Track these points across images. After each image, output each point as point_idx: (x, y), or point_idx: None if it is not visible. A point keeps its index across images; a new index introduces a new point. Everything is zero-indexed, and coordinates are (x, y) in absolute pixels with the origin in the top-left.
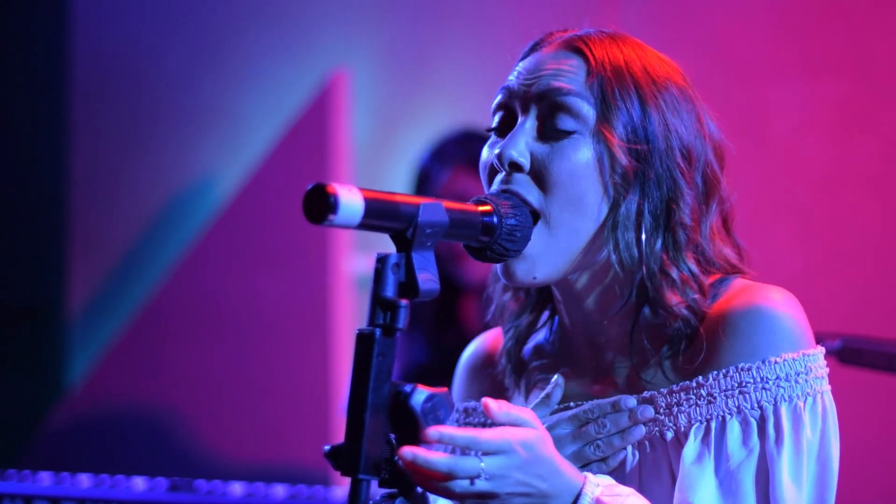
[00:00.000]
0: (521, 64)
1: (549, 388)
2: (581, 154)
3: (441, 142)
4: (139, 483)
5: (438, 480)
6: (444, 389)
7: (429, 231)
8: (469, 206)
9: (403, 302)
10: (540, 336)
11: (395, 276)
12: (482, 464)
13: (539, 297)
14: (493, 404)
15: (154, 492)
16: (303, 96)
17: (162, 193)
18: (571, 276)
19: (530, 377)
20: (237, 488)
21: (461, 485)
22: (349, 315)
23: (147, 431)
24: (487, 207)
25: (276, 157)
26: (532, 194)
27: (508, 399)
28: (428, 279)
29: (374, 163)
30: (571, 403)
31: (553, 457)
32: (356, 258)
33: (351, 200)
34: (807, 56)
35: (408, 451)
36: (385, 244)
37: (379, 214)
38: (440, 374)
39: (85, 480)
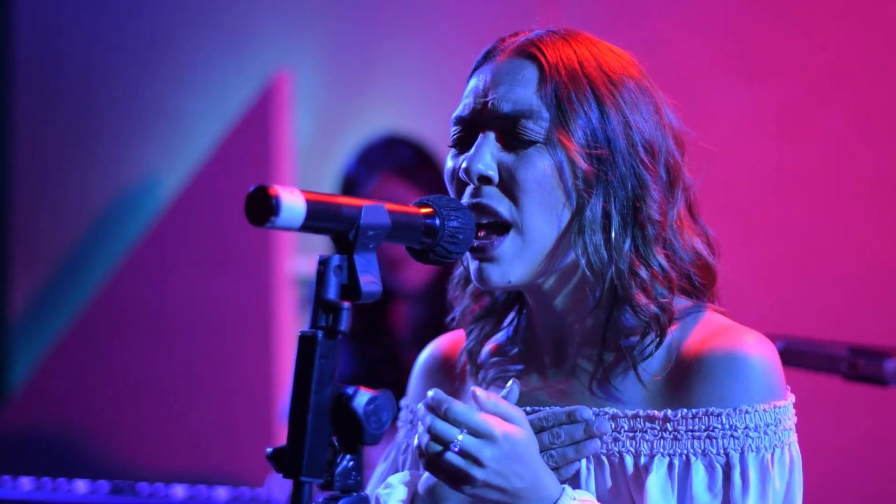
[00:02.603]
0: (474, 79)
1: (504, 391)
2: (544, 162)
3: (365, 148)
4: (81, 486)
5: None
6: (387, 391)
7: (371, 233)
8: (411, 209)
9: (346, 304)
10: (501, 337)
11: (338, 278)
12: (460, 436)
13: (505, 301)
14: (482, 393)
15: (96, 494)
16: (245, 97)
17: (104, 195)
18: (540, 279)
19: (488, 377)
20: (179, 490)
21: (433, 446)
22: (291, 317)
23: (89, 434)
24: (429, 210)
25: (218, 158)
26: (503, 205)
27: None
28: (370, 281)
29: (317, 164)
30: (528, 408)
31: (535, 459)
32: (298, 260)
33: (293, 203)
34: (748, 59)
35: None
36: (327, 246)
37: (321, 216)
38: (363, 382)
39: (26, 483)
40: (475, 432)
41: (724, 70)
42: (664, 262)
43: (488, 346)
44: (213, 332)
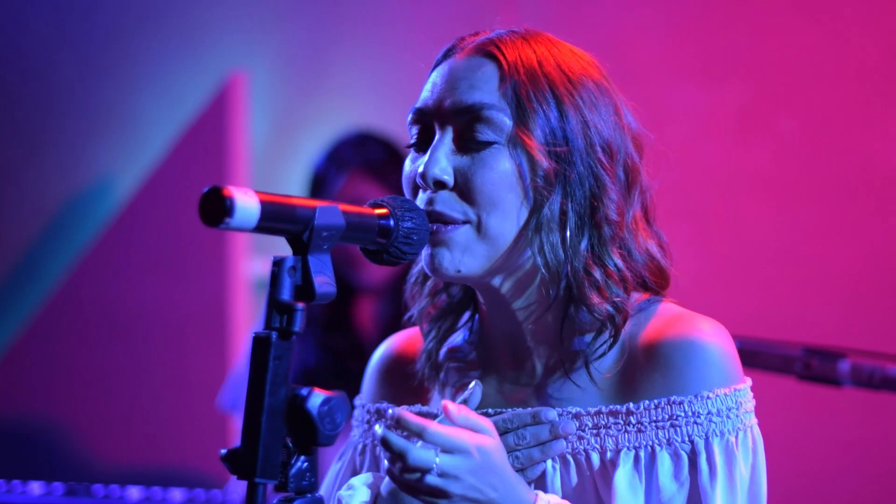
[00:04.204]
0: (434, 75)
1: (466, 393)
2: (502, 163)
3: (337, 145)
4: (35, 488)
5: (395, 462)
6: (341, 392)
7: (325, 234)
8: (365, 209)
9: (300, 305)
10: (458, 338)
11: (292, 279)
12: (437, 459)
13: (460, 300)
14: (453, 407)
15: (50, 496)
16: (200, 98)
17: (58, 196)
18: (495, 280)
19: (448, 380)
20: (134, 492)
21: (411, 477)
22: (246, 318)
23: (43, 436)
24: (384, 210)
25: (173, 159)
26: (458, 210)
27: (427, 402)
28: (324, 282)
29: (272, 165)
30: (490, 410)
31: (507, 468)
32: (253, 261)
33: (247, 203)
34: (704, 60)
35: (381, 424)
36: (282, 247)
37: (275, 217)
38: (329, 377)
39: None
40: (451, 449)
41: (681, 72)
42: (620, 263)
43: (446, 347)
44: (168, 332)
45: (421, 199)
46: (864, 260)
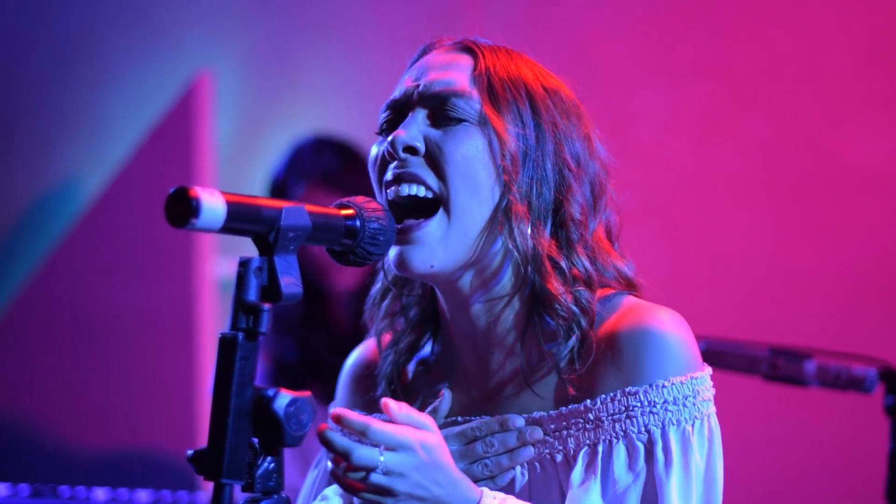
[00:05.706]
0: (410, 69)
1: (436, 402)
2: (473, 139)
3: (295, 153)
4: (1, 489)
5: (339, 462)
6: (307, 393)
7: (291, 235)
8: (332, 210)
9: (266, 306)
10: (424, 352)
11: (258, 279)
12: (381, 457)
13: (419, 319)
14: (394, 405)
15: (16, 497)
16: (166, 99)
17: (24, 196)
18: (463, 276)
19: (416, 394)
20: (100, 493)
21: (356, 476)
22: (213, 319)
23: (9, 436)
24: (350, 211)
25: (139, 159)
26: (429, 177)
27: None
28: (290, 283)
29: (238, 165)
30: (459, 418)
31: (450, 465)
32: (220, 262)
33: (213, 204)
34: (671, 61)
35: (322, 426)
36: (249, 248)
37: (241, 218)
38: (308, 374)
39: None
40: (395, 447)
41: (646, 72)
42: (587, 264)
43: (411, 364)
44: (134, 333)
45: (390, 170)
46: (831, 260)
